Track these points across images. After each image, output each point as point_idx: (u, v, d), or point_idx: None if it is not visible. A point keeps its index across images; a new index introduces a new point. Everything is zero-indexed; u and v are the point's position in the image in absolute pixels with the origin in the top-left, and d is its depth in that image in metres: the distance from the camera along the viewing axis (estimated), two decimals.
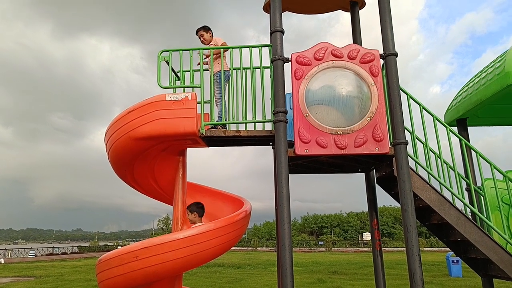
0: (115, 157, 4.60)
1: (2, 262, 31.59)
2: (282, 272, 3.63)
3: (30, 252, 44.32)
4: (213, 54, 4.88)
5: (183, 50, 4.70)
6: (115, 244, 58.46)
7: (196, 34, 5.41)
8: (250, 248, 56.40)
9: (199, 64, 4.88)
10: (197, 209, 4.81)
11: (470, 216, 4.30)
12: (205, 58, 5.21)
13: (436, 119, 4.49)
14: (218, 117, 4.82)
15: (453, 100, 5.72)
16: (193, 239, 3.96)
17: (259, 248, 56.96)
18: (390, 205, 77.19)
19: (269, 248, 55.84)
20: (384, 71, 4.31)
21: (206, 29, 5.37)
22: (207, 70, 4.95)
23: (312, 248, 55.59)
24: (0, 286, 16.61)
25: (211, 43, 5.28)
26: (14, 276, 20.91)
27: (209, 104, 4.77)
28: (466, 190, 5.02)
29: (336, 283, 15.59)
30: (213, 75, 4.84)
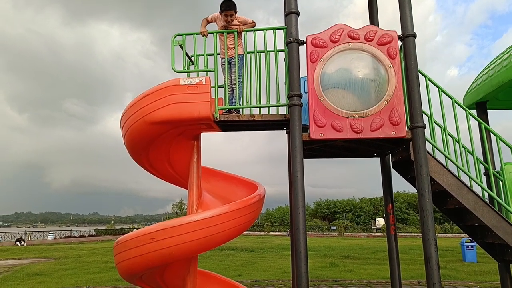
0: (130, 141, 4.64)
1: (25, 245, 32.71)
2: (296, 255, 3.65)
3: (49, 234, 45.72)
4: (237, 32, 4.71)
5: (197, 34, 4.66)
6: (131, 227, 59.74)
7: (224, 11, 4.84)
8: (263, 233, 57.01)
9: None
10: None
11: (488, 201, 4.24)
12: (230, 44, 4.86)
13: (455, 102, 4.38)
14: (233, 102, 4.79)
15: (472, 83, 5.58)
16: (208, 222, 4.00)
17: (271, 233, 57.53)
18: (404, 191, 76.66)
19: (282, 233, 56.35)
20: (402, 53, 4.21)
21: (236, 9, 4.85)
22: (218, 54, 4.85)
23: (325, 233, 55.85)
24: (22, 266, 17.22)
25: (233, 22, 4.91)
26: (35, 258, 21.65)
27: (223, 88, 4.75)
28: (484, 175, 4.93)
29: (349, 267, 15.68)
30: (237, 56, 4.71)
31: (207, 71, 4.59)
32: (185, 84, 4.18)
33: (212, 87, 4.38)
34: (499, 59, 5.03)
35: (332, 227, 64.20)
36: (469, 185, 4.20)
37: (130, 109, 4.44)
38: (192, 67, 4.91)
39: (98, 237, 47.06)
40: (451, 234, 46.84)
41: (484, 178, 4.81)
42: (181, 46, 4.64)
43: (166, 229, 3.96)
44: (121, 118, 4.67)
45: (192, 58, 5.09)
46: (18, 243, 32.86)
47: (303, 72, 4.20)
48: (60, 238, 44.95)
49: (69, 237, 46.95)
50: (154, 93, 4.24)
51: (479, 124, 4.75)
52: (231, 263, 17.39)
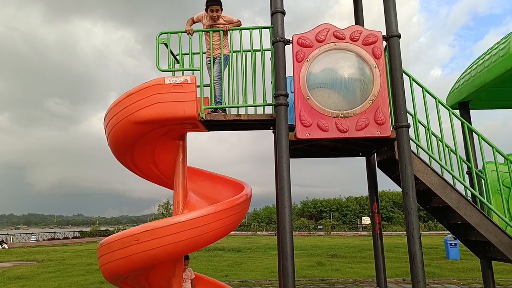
0: (114, 141, 4.56)
1: (6, 247, 31.91)
2: (283, 255, 3.64)
3: (32, 237, 44.76)
4: (223, 31, 4.66)
5: (182, 32, 4.61)
6: (116, 228, 59.02)
7: (210, 6, 4.82)
8: (250, 232, 57.01)
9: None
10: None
11: (470, 200, 4.31)
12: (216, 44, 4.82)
13: (439, 101, 4.44)
14: (218, 101, 4.75)
15: (455, 83, 5.67)
16: (194, 222, 3.95)
17: (258, 232, 57.58)
18: (389, 190, 77.72)
19: (269, 232, 56.44)
20: (386, 53, 4.24)
21: (221, 5, 4.83)
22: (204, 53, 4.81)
23: (311, 232, 56.18)
24: (3, 270, 16.80)
25: (218, 21, 4.88)
26: (16, 261, 21.14)
27: (209, 88, 4.70)
28: (467, 174, 5.02)
29: (335, 266, 15.78)
30: (222, 56, 4.68)
31: (192, 70, 4.54)
32: (170, 83, 4.13)
33: (197, 87, 4.33)
34: (481, 59, 5.12)
35: (319, 226, 64.65)
36: (452, 184, 4.26)
37: (113, 108, 4.36)
38: (177, 66, 4.85)
39: (83, 239, 46.28)
40: (435, 232, 47.67)
41: (467, 177, 4.89)
42: (166, 45, 4.58)
43: (152, 230, 3.90)
44: (105, 117, 4.59)
45: (178, 57, 5.03)
46: (0, 246, 32.04)
47: (289, 72, 4.20)
48: (44, 240, 44.05)
49: (53, 239, 46.05)
50: (138, 92, 4.17)
51: (462, 123, 4.83)
52: (218, 264, 17.31)
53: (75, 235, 53.31)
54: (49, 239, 45.05)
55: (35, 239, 43.57)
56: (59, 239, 46.41)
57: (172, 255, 4.13)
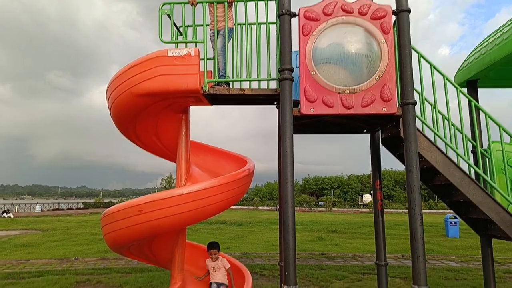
0: (117, 113, 4.54)
1: (12, 217, 32.54)
2: (284, 228, 3.68)
3: (37, 207, 45.54)
4: (227, 3, 4.55)
5: (185, 3, 4.50)
6: (120, 201, 59.86)
7: None
8: (252, 207, 57.74)
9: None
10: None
11: (474, 178, 4.29)
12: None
13: (447, 79, 4.36)
14: (221, 75, 4.68)
15: (464, 61, 5.55)
16: (197, 195, 3.99)
17: (260, 207, 58.32)
18: (391, 169, 77.94)
19: (270, 207, 57.15)
20: (395, 29, 4.13)
21: None
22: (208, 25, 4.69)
23: (312, 208, 56.82)
24: (9, 238, 17.18)
25: None
26: (22, 229, 21.61)
27: (212, 61, 4.62)
28: (471, 153, 4.99)
29: (335, 241, 16.05)
30: (226, 28, 4.56)
31: (196, 43, 4.45)
32: (173, 56, 4.06)
33: (201, 59, 4.26)
34: (492, 37, 4.99)
35: (320, 203, 65.32)
36: (456, 162, 4.24)
37: (116, 80, 4.32)
38: (180, 38, 4.75)
39: (87, 210, 47.10)
40: (435, 211, 48.11)
41: (471, 156, 4.87)
42: (168, 16, 4.47)
43: (154, 202, 3.94)
44: (107, 89, 4.55)
45: (181, 29, 4.92)
46: (5, 214, 32.68)
47: (294, 46, 4.11)
48: (48, 210, 44.88)
49: (57, 209, 46.91)
50: (141, 64, 4.11)
51: (469, 102, 4.76)
52: (220, 236, 17.62)
53: (79, 206, 54.23)
54: (53, 209, 45.91)
55: (40, 209, 44.35)
56: (63, 209, 47.29)
57: (174, 226, 4.19)
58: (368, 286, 7.98)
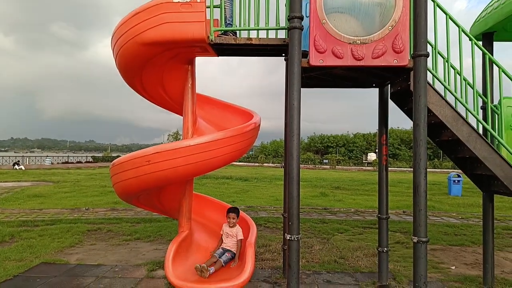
0: (122, 63, 4.46)
1: (23, 168, 33.37)
2: (289, 180, 3.73)
3: (47, 160, 46.55)
4: None
5: None
6: None
7: None
8: (257, 164, 58.52)
9: None
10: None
11: (481, 134, 4.26)
12: None
13: (462, 30, 4.19)
14: (228, 23, 4.54)
15: (482, 12, 5.30)
16: (204, 146, 4.01)
17: (265, 164, 59.09)
18: (398, 127, 77.67)
19: (275, 164, 57.86)
20: None
21: None
22: None
23: (317, 166, 57.46)
24: (22, 188, 17.72)
25: None
26: (34, 181, 22.24)
27: (219, 9, 4.46)
28: (481, 109, 4.92)
29: (338, 197, 16.37)
30: None
31: None
32: (179, 2, 3.91)
33: (207, 7, 4.11)
34: None
35: (325, 161, 65.89)
36: (465, 117, 4.18)
37: (120, 28, 4.20)
38: None
39: (95, 164, 48.08)
40: (439, 170, 48.47)
41: (480, 112, 4.80)
42: None
43: (162, 152, 3.98)
44: (112, 38, 4.44)
45: None
46: (16, 166, 33.53)
47: None
48: (58, 163, 45.89)
49: (67, 162, 47.92)
50: (145, 11, 3.97)
51: (483, 55, 4.60)
52: (226, 190, 18.02)
53: (88, 160, 55.29)
54: (63, 163, 46.92)
55: (50, 162, 45.36)
56: (72, 163, 48.30)
57: (181, 177, 4.26)
58: (369, 239, 8.23)
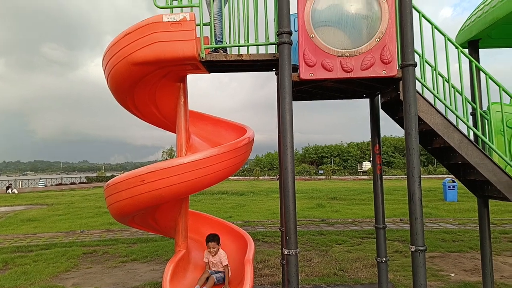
0: (114, 83, 4.48)
1: (16, 192, 32.89)
2: (284, 194, 3.72)
3: (40, 182, 45.99)
4: None
5: None
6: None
7: None
8: (253, 177, 58.35)
9: None
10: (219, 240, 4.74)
11: (472, 140, 4.30)
12: None
13: (448, 39, 4.28)
14: (218, 40, 4.59)
15: (466, 20, 5.42)
16: (197, 164, 4.01)
17: (261, 177, 58.93)
18: (391, 135, 78.19)
19: (271, 177, 57.75)
20: None
21: None
22: None
23: (312, 177, 57.43)
24: (15, 213, 17.43)
25: None
26: (27, 204, 21.91)
27: (209, 26, 4.52)
28: (471, 115, 4.98)
29: (335, 207, 16.32)
30: None
31: (191, 7, 4.33)
32: (168, 21, 3.96)
33: (197, 25, 4.16)
34: None
35: (320, 171, 65.93)
36: (455, 124, 4.23)
37: (111, 49, 4.23)
38: (175, 3, 4.62)
39: (89, 184, 47.60)
40: (434, 176, 48.66)
41: (470, 118, 4.86)
42: None
43: (156, 171, 3.96)
44: (103, 59, 4.47)
45: None
46: (9, 190, 33.04)
47: (293, 9, 4.00)
48: (51, 185, 45.37)
49: (60, 184, 47.40)
50: (135, 32, 4.01)
51: (470, 62, 4.69)
52: (222, 206, 17.90)
53: (81, 181, 54.73)
54: (56, 185, 46.38)
55: (43, 184, 44.82)
56: (66, 184, 47.79)
57: (176, 195, 4.24)
58: (367, 249, 8.20)
